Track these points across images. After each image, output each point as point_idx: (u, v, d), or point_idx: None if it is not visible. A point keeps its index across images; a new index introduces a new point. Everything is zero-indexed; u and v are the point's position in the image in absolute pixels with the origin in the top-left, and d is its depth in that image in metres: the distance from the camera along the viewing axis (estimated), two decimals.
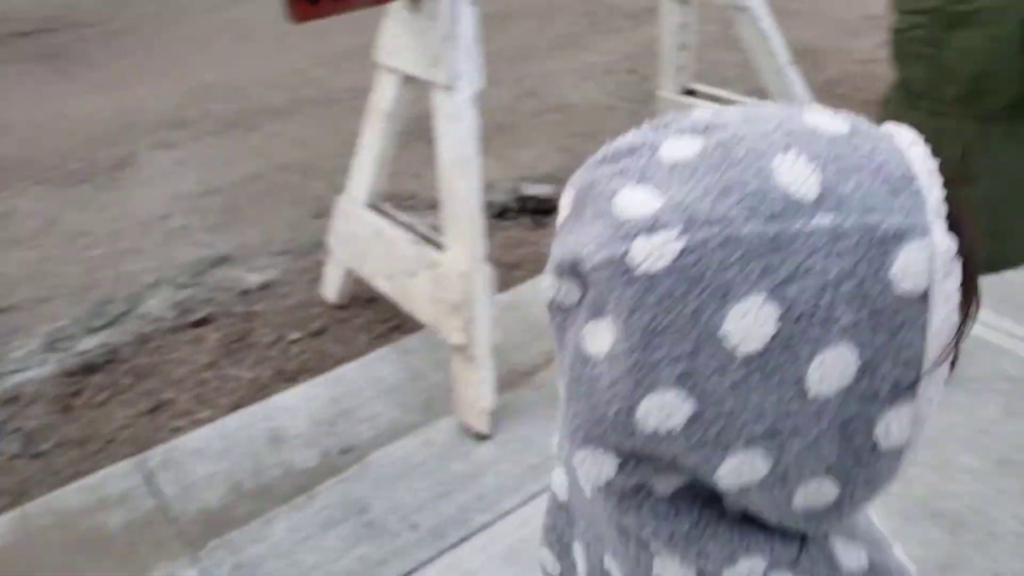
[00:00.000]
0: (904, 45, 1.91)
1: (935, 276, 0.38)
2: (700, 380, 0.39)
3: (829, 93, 4.69)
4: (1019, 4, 1.73)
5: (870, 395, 0.40)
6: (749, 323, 0.37)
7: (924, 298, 0.38)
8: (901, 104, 1.95)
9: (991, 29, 1.75)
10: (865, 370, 0.39)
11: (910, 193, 0.39)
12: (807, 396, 0.39)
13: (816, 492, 0.43)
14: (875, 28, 5.78)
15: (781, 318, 0.37)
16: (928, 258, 0.38)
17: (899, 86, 1.99)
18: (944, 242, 0.38)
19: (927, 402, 0.41)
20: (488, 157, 2.51)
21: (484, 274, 2.18)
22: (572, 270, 0.42)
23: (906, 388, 0.40)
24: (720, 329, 0.38)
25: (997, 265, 1.90)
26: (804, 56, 5.46)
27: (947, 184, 0.41)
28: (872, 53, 5.27)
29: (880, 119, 0.49)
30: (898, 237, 0.38)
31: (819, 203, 0.38)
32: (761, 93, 3.50)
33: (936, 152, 0.50)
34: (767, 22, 3.02)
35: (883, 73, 4.86)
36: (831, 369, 0.38)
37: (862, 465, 0.43)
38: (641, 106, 4.57)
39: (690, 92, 3.62)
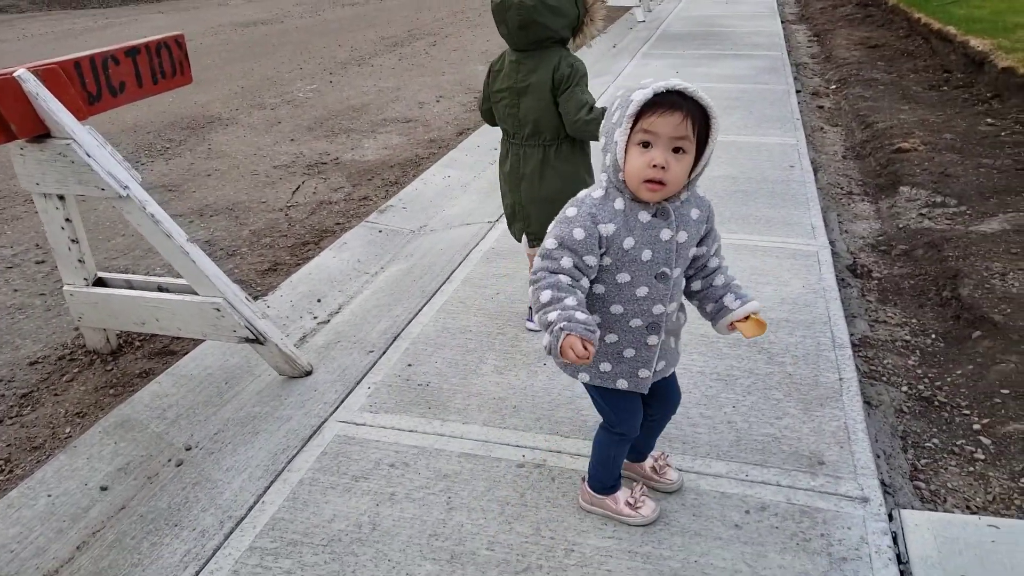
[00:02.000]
0: (500, 110, 3.14)
1: (644, 96, 1.74)
2: (607, 119, 1.85)
3: (256, 244, 4.92)
4: (548, 82, 2.97)
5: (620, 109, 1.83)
6: (613, 120, 1.81)
7: (629, 103, 1.76)
8: (505, 142, 3.21)
9: (538, 95, 3.01)
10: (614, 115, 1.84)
11: (645, 86, 1.76)
12: (605, 121, 1.88)
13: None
14: (286, 176, 6.29)
15: (617, 110, 1.80)
16: (644, 92, 1.74)
17: (504, 133, 3.22)
18: (645, 91, 1.74)
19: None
20: None
21: None
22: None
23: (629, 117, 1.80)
24: (613, 118, 1.83)
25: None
26: (229, 212, 5.65)
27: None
28: (289, 200, 5.71)
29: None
30: (634, 89, 1.77)
31: (631, 90, 1.79)
32: (170, 268, 3.48)
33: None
34: (153, 206, 3.01)
35: (299, 218, 5.35)
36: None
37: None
38: (61, 299, 4.14)
39: (100, 282, 3.41)
